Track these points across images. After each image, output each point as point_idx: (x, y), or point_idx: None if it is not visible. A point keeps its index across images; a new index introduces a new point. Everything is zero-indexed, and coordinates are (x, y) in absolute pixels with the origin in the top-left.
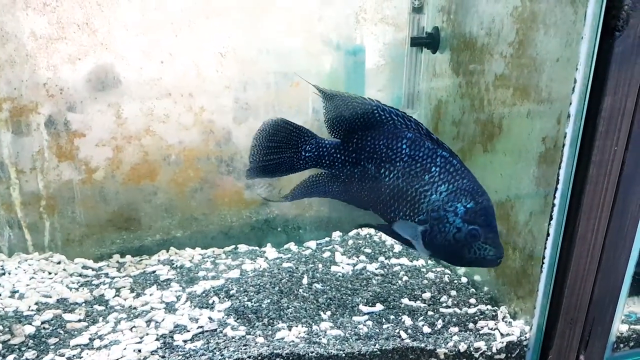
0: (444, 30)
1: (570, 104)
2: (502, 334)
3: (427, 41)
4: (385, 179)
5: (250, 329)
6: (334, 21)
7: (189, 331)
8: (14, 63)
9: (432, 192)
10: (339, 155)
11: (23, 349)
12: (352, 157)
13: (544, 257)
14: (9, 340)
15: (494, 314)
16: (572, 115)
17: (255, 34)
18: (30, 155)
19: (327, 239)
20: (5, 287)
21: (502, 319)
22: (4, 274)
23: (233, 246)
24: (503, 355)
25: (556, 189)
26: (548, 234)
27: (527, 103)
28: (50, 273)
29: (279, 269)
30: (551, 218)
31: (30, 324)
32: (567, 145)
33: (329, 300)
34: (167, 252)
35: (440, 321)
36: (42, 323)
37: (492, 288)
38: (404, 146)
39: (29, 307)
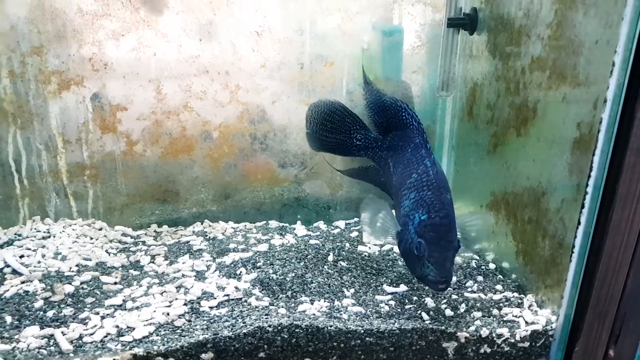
0: (482, 11)
1: (608, 88)
2: (527, 322)
3: (465, 22)
4: (393, 177)
5: (274, 300)
6: (370, 1)
7: (215, 298)
8: (62, 38)
9: (407, 197)
10: (377, 150)
11: (62, 305)
12: (384, 153)
13: (573, 246)
14: (49, 297)
15: (519, 301)
16: (609, 100)
17: (291, 14)
18: (76, 127)
19: (356, 219)
20: (50, 249)
21: (528, 307)
22: (49, 236)
23: (264, 222)
24: (527, 344)
25: (589, 176)
26: (579, 223)
27: (562, 87)
28: (91, 238)
29: (305, 245)
30: (583, 206)
31: (70, 283)
32: (603, 132)
33: (353, 278)
34: (202, 224)
35: (463, 305)
36: (81, 283)
37: (520, 276)
38: (409, 150)
39: (70, 268)
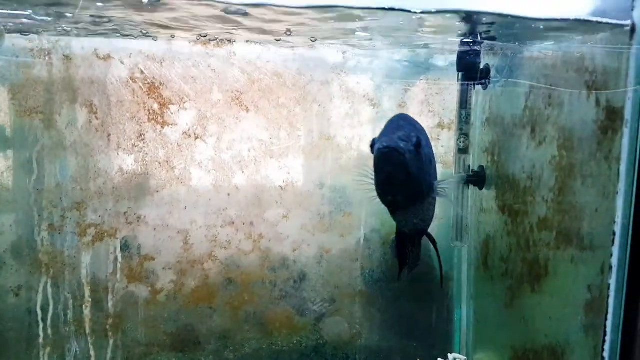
0: (489, 169)
1: (612, 255)
2: None
3: (473, 179)
4: None
5: None
6: None
7: None
8: (102, 194)
9: None
10: None
11: None
12: None
13: None
14: None
15: None
16: (615, 267)
17: (313, 170)
18: (104, 276)
19: None
20: None
21: None
22: None
23: None
24: None
25: (604, 340)
26: None
27: (570, 248)
28: None
29: None
30: None
31: None
32: (612, 297)
33: None
34: None
35: None
36: None
37: None
38: None
39: None
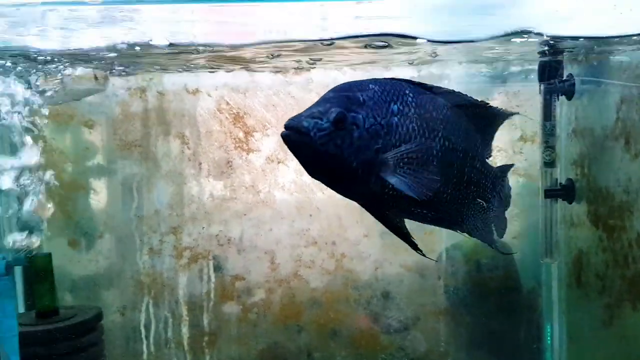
0: (578, 182)
1: None
2: None
3: (562, 193)
4: None
5: None
6: None
7: None
8: (195, 219)
9: None
10: None
11: None
12: None
13: None
14: None
15: None
16: None
17: None
18: (199, 296)
19: None
20: None
21: None
22: None
23: None
24: None
25: None
26: None
27: None
28: None
29: None
30: None
31: None
32: None
33: None
34: None
35: None
36: None
37: None
38: None
39: None
